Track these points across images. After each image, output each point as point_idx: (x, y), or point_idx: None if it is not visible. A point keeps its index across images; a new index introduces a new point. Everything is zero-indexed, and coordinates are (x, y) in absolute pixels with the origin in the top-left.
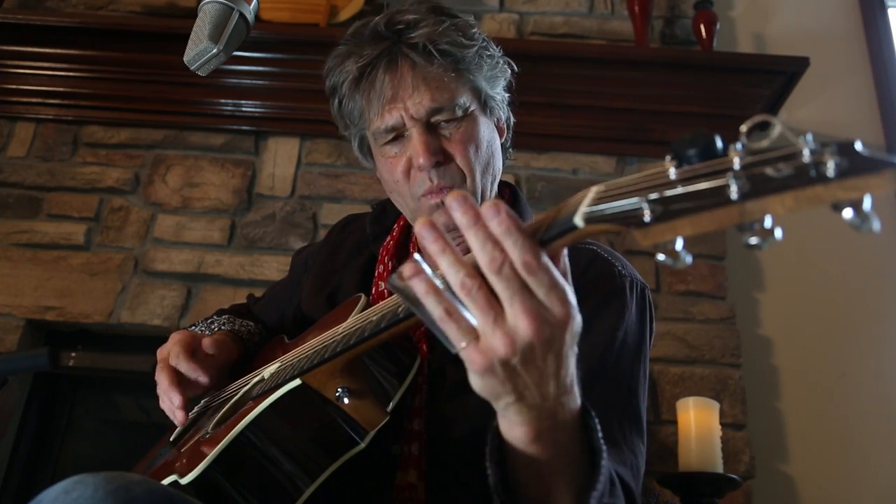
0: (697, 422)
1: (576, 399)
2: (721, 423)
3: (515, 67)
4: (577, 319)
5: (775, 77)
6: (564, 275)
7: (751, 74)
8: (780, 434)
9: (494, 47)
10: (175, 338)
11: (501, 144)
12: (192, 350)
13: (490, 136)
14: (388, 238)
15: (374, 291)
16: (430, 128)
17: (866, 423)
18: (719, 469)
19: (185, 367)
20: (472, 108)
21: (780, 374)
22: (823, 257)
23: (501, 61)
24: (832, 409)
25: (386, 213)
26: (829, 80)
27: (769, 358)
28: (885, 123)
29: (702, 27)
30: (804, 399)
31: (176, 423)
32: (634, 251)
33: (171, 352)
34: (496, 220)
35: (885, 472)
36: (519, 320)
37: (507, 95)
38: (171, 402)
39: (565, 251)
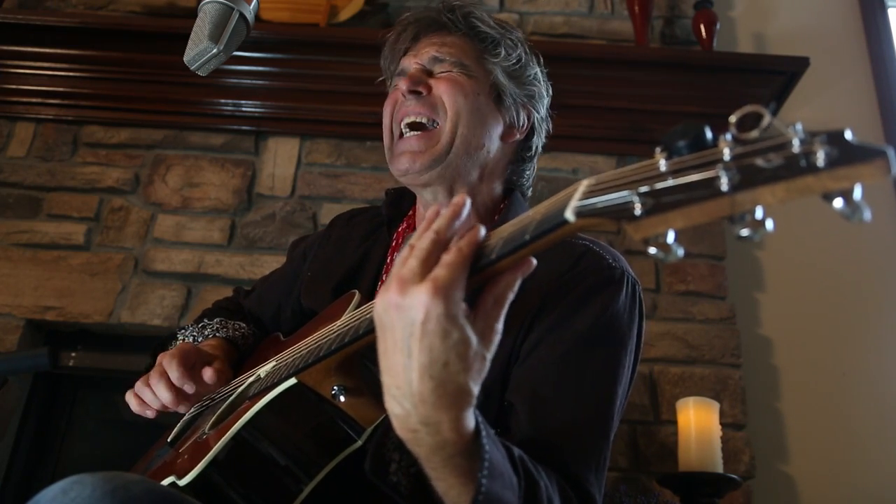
0: (697, 422)
1: (443, 430)
2: (721, 423)
3: (550, 95)
4: (471, 347)
5: (775, 77)
6: (498, 304)
7: (751, 74)
8: (780, 434)
9: (534, 60)
10: (179, 347)
11: (512, 153)
12: (188, 364)
13: (486, 112)
14: (405, 224)
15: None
16: (427, 72)
17: (866, 423)
18: (719, 469)
19: (177, 376)
20: (473, 75)
21: (780, 374)
22: (823, 257)
23: (536, 74)
24: (832, 409)
25: (403, 198)
26: (829, 80)
27: (769, 358)
28: (885, 123)
29: (702, 27)
30: (804, 399)
31: (144, 414)
32: (633, 251)
33: (165, 359)
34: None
35: (885, 472)
36: (422, 288)
37: (535, 112)
38: (157, 396)
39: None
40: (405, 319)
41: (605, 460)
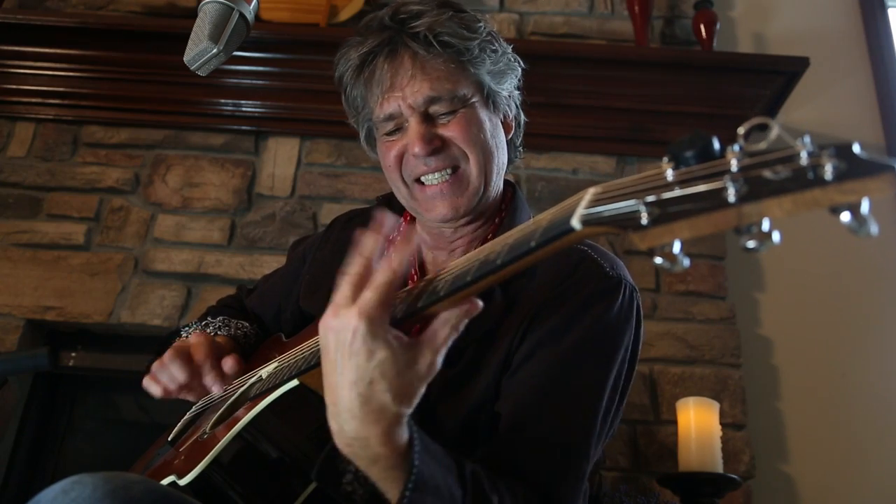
0: (697, 422)
1: (372, 445)
2: (721, 423)
3: (523, 65)
4: (395, 367)
5: (775, 77)
6: (440, 338)
7: (751, 74)
8: (780, 434)
9: (502, 44)
10: (198, 338)
11: (509, 141)
12: (217, 355)
13: (493, 128)
14: (396, 233)
15: None
16: (428, 118)
17: (866, 423)
18: (719, 469)
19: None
20: (472, 100)
21: (780, 374)
22: (823, 258)
23: (509, 58)
24: (832, 409)
25: (391, 206)
26: (829, 80)
27: (769, 358)
28: (885, 123)
29: (702, 27)
30: (804, 399)
31: (154, 392)
32: (634, 252)
33: (193, 345)
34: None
35: (885, 473)
36: (351, 311)
37: (516, 93)
38: (172, 376)
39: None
40: (337, 340)
41: (582, 476)
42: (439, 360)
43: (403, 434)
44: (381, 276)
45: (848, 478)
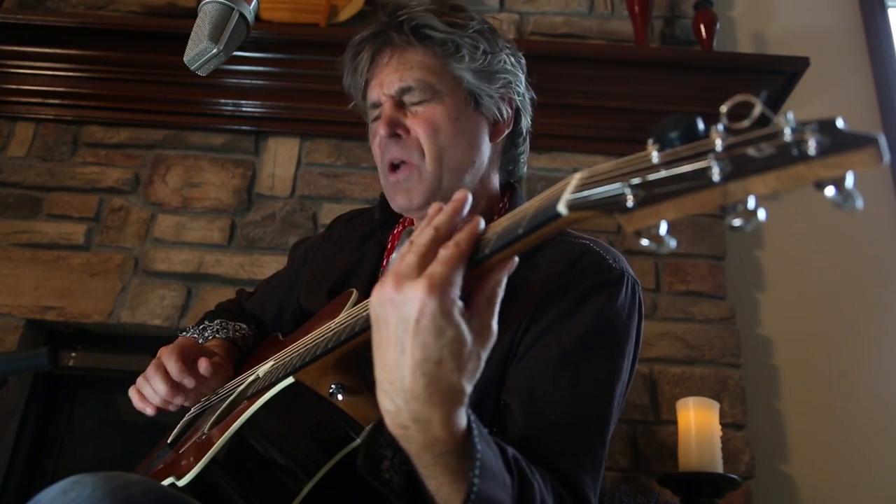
0: (697, 422)
1: (433, 428)
2: (721, 423)
3: (525, 70)
4: (465, 345)
5: (775, 77)
6: (490, 303)
7: (751, 74)
8: (780, 434)
9: (498, 45)
10: (179, 342)
11: (503, 145)
12: (187, 359)
13: (468, 125)
14: (399, 227)
15: None
16: (401, 105)
17: (866, 423)
18: (719, 469)
19: (175, 370)
20: (445, 94)
21: (780, 374)
22: (823, 257)
23: (505, 60)
24: (832, 409)
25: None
26: (829, 80)
27: (769, 358)
28: (885, 123)
29: (702, 27)
30: (804, 399)
31: (145, 411)
32: (634, 251)
33: (164, 353)
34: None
35: (885, 472)
36: (418, 285)
37: (517, 98)
38: (153, 390)
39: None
40: (399, 315)
41: (601, 462)
42: (495, 324)
43: (463, 417)
44: (452, 251)
45: (848, 478)
